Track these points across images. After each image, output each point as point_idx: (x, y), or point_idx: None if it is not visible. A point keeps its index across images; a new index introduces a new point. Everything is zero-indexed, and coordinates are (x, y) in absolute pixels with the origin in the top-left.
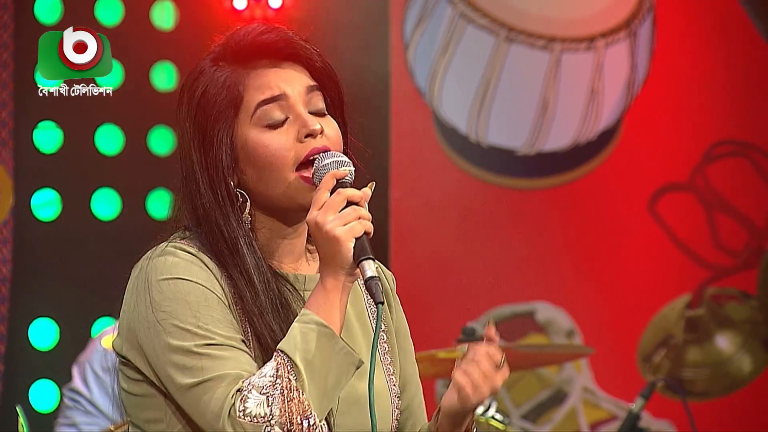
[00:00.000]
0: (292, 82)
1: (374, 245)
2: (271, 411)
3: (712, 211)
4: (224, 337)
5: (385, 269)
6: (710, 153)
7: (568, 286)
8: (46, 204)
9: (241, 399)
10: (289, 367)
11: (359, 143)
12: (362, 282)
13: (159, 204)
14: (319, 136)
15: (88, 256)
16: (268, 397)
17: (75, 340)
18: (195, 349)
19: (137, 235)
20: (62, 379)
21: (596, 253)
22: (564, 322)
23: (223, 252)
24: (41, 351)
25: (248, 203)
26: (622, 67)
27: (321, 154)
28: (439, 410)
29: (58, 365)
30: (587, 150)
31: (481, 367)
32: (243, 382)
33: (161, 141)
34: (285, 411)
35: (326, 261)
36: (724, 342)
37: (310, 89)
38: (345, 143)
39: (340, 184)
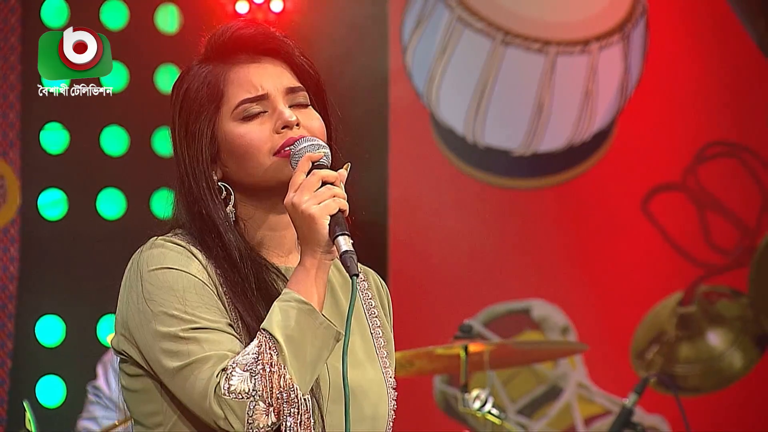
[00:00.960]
0: (272, 79)
1: (374, 244)
2: (254, 386)
3: (703, 210)
4: (209, 320)
5: (382, 281)
6: (702, 154)
7: (563, 284)
8: (53, 204)
9: (226, 377)
10: (270, 344)
11: (348, 137)
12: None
13: (163, 203)
14: (296, 127)
15: (94, 255)
16: (251, 373)
17: (81, 337)
18: (181, 334)
19: (142, 234)
20: (68, 374)
21: (591, 252)
22: (559, 319)
23: (208, 242)
24: (48, 347)
25: (232, 196)
26: (616, 69)
27: (298, 140)
28: None
29: (64, 361)
30: (582, 151)
31: None
32: (228, 361)
33: (165, 142)
34: (267, 385)
35: (304, 240)
36: (716, 338)
37: (291, 89)
38: (329, 136)
39: (315, 166)
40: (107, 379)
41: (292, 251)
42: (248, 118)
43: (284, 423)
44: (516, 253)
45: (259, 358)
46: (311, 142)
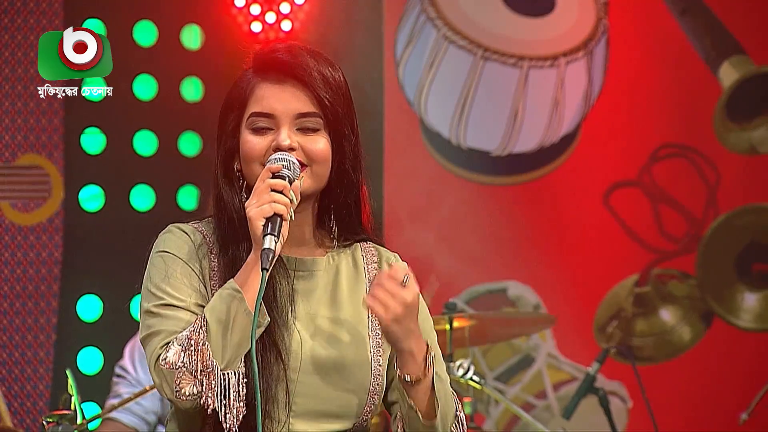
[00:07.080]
0: (286, 102)
1: (371, 233)
2: (182, 359)
3: (657, 204)
4: (178, 299)
5: (399, 261)
6: (655, 154)
7: (535, 267)
8: (92, 198)
9: (166, 350)
10: (202, 324)
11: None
12: (363, 253)
13: (188, 198)
14: (289, 150)
15: (127, 242)
16: (183, 348)
17: (116, 313)
18: (152, 309)
19: (169, 224)
20: (105, 346)
21: (559, 239)
22: (531, 297)
23: (220, 224)
24: (87, 322)
25: (244, 184)
26: (581, 81)
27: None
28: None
29: (102, 335)
30: (551, 152)
31: (385, 287)
32: (173, 336)
33: (190, 144)
34: (192, 360)
35: (251, 237)
36: (667, 315)
37: (303, 114)
38: (341, 160)
39: (275, 176)
40: (132, 360)
41: (303, 244)
42: (257, 130)
43: (205, 396)
44: (494, 240)
45: (191, 335)
46: (278, 156)
